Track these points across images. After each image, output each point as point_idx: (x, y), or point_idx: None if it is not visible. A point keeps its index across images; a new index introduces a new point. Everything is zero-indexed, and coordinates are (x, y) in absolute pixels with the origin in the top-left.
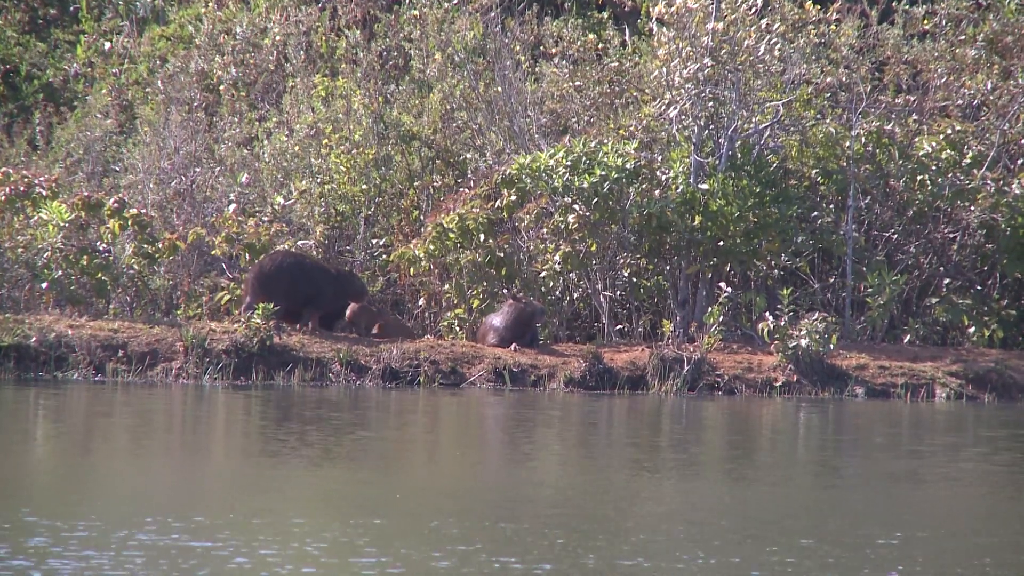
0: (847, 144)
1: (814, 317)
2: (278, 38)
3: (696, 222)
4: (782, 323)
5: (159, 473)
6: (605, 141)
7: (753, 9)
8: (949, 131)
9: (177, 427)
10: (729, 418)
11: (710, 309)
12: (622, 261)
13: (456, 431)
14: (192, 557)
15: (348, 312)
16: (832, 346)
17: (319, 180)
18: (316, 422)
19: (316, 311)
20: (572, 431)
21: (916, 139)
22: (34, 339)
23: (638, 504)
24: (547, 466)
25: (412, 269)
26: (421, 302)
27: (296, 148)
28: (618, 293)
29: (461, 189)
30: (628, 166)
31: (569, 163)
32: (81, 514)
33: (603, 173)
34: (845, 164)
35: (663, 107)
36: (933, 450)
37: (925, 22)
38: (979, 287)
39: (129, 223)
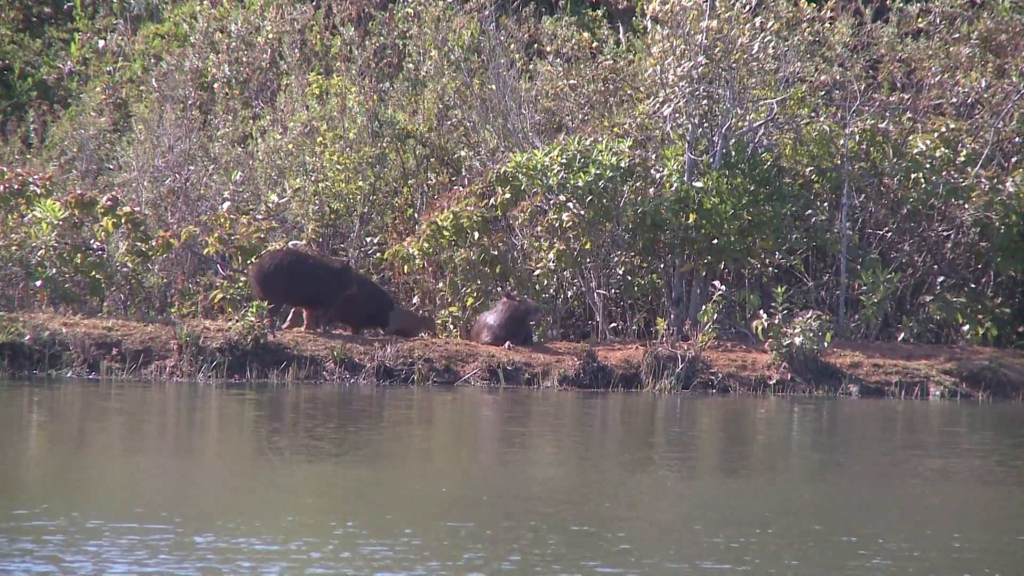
0: (841, 142)
1: (808, 315)
2: (272, 36)
3: (690, 220)
4: (776, 321)
5: (197, 475)
6: (599, 139)
7: (747, 7)
8: (943, 129)
9: (195, 427)
10: (733, 417)
11: (704, 307)
12: (616, 259)
13: (473, 430)
14: (265, 559)
15: (391, 317)
16: (826, 344)
17: (313, 178)
18: (336, 421)
19: (326, 310)
20: (593, 431)
21: (910, 137)
22: (28, 337)
23: (696, 507)
24: (588, 467)
25: (406, 267)
26: (415, 300)
27: (290, 146)
28: (612, 291)
29: (455, 187)
30: (622, 164)
31: (564, 161)
32: (154, 517)
33: (597, 171)
34: (839, 162)
35: (657, 105)
36: (970, 449)
37: (919, 20)
38: (973, 285)
39: (122, 221)
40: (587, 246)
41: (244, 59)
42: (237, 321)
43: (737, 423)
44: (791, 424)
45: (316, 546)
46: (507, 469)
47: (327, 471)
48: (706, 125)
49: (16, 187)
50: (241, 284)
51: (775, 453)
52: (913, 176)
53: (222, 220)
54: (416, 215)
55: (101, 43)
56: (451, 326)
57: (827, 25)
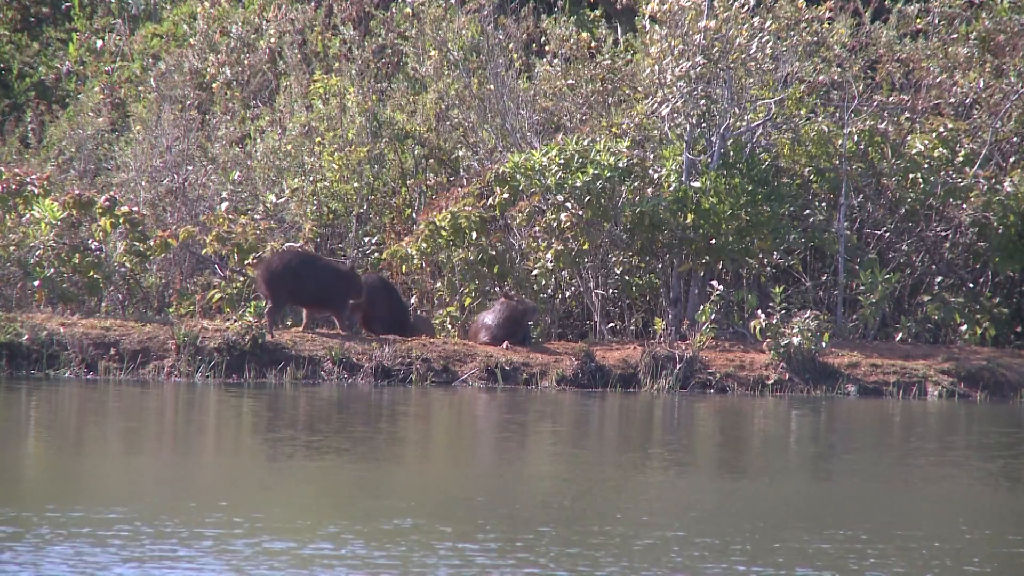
0: (839, 142)
1: (806, 315)
2: (273, 40)
3: (688, 220)
4: (774, 321)
5: (246, 476)
6: (597, 139)
7: (745, 7)
8: (941, 129)
9: (221, 427)
10: (739, 417)
11: (702, 307)
12: (614, 259)
13: (496, 431)
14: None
15: (414, 323)
16: (824, 344)
17: (311, 178)
18: (365, 422)
19: (340, 311)
20: (614, 432)
21: (909, 137)
22: (26, 337)
23: (758, 509)
24: (620, 468)
25: (404, 267)
26: (413, 300)
27: (289, 147)
28: (610, 291)
29: (454, 187)
30: (620, 164)
31: (562, 161)
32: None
33: (596, 171)
34: (837, 162)
35: (655, 105)
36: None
37: (918, 20)
38: (971, 285)
39: (120, 221)
40: (585, 246)
41: (245, 60)
42: (235, 321)
43: (747, 423)
44: (809, 424)
45: (423, 550)
46: (548, 472)
47: (378, 471)
48: (704, 125)
49: (14, 187)
50: (239, 284)
51: (799, 453)
52: (911, 176)
53: (220, 220)
54: (414, 215)
55: (99, 43)
56: (449, 326)
57: (825, 25)
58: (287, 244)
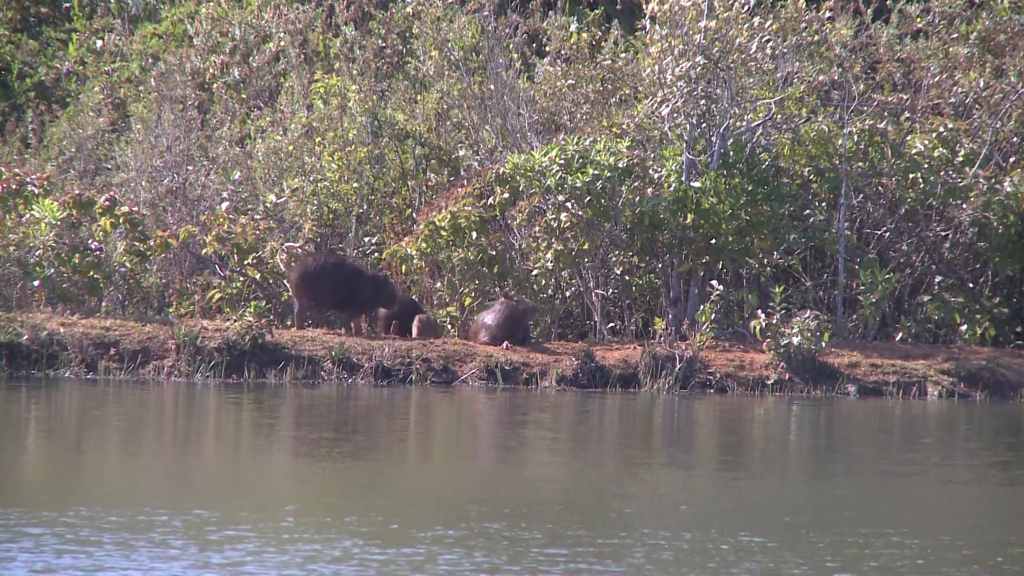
0: (840, 142)
1: (806, 315)
2: (281, 43)
3: (688, 220)
4: (774, 321)
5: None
6: (598, 139)
7: (745, 7)
8: (941, 129)
9: (245, 428)
10: (743, 418)
11: (702, 307)
12: (614, 259)
13: (513, 432)
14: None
15: (416, 324)
16: (824, 344)
17: (312, 178)
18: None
19: (354, 315)
20: (627, 430)
21: (909, 137)
22: (26, 337)
23: (810, 511)
24: (662, 471)
25: (404, 267)
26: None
27: (290, 147)
28: (610, 291)
29: (454, 187)
30: (620, 164)
31: (562, 161)
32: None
33: (596, 171)
34: (837, 162)
35: (655, 105)
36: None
37: (918, 20)
38: (971, 285)
39: (120, 221)
40: (585, 246)
41: (253, 61)
42: (235, 321)
43: (755, 424)
44: (818, 425)
45: (515, 556)
46: (580, 473)
47: (442, 473)
48: (704, 125)
49: (14, 187)
50: (239, 284)
51: (819, 453)
52: (911, 176)
53: (220, 220)
54: (414, 215)
55: (99, 43)
56: (449, 326)
57: (826, 25)
58: (286, 244)
